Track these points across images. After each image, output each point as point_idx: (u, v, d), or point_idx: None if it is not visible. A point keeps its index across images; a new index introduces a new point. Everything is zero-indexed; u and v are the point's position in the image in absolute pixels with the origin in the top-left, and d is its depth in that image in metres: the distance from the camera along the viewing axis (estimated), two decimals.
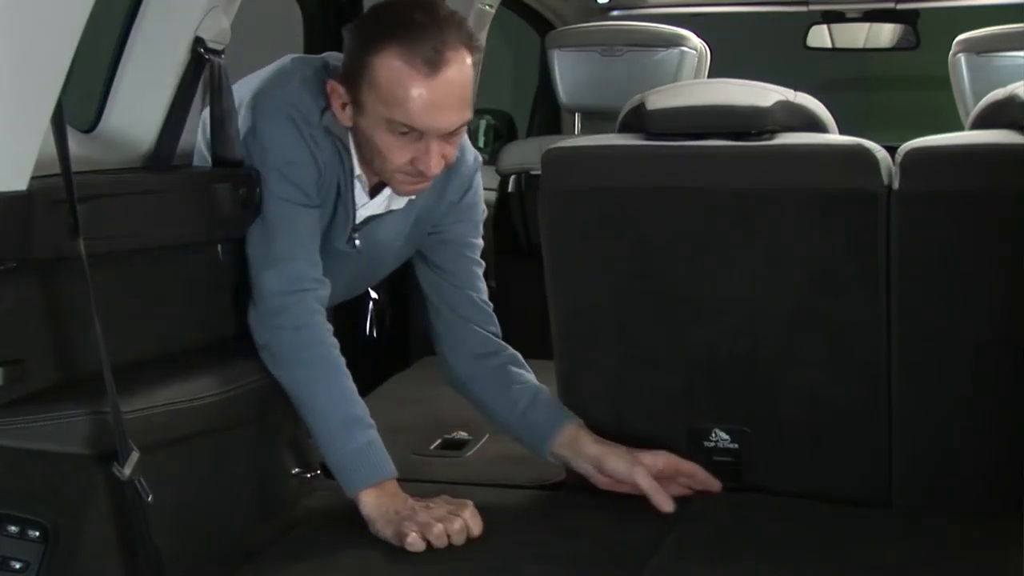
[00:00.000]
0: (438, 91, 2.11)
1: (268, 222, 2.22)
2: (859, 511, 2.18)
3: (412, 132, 2.15)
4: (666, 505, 2.20)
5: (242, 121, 2.24)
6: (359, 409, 2.17)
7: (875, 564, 1.96)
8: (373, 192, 2.33)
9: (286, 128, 2.22)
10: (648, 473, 2.23)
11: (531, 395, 2.37)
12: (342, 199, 2.30)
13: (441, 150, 2.17)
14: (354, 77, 2.16)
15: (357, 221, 2.33)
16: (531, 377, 2.40)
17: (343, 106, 2.20)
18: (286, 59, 2.32)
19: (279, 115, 2.22)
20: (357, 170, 2.28)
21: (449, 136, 2.18)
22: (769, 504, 2.21)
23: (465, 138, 2.34)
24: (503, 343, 2.43)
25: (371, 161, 2.23)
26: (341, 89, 2.19)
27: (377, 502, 2.11)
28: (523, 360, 2.42)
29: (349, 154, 2.27)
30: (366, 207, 2.33)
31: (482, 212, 2.49)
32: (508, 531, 2.15)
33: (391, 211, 2.36)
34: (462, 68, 2.14)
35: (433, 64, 2.10)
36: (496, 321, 2.45)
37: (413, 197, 2.34)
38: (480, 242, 2.48)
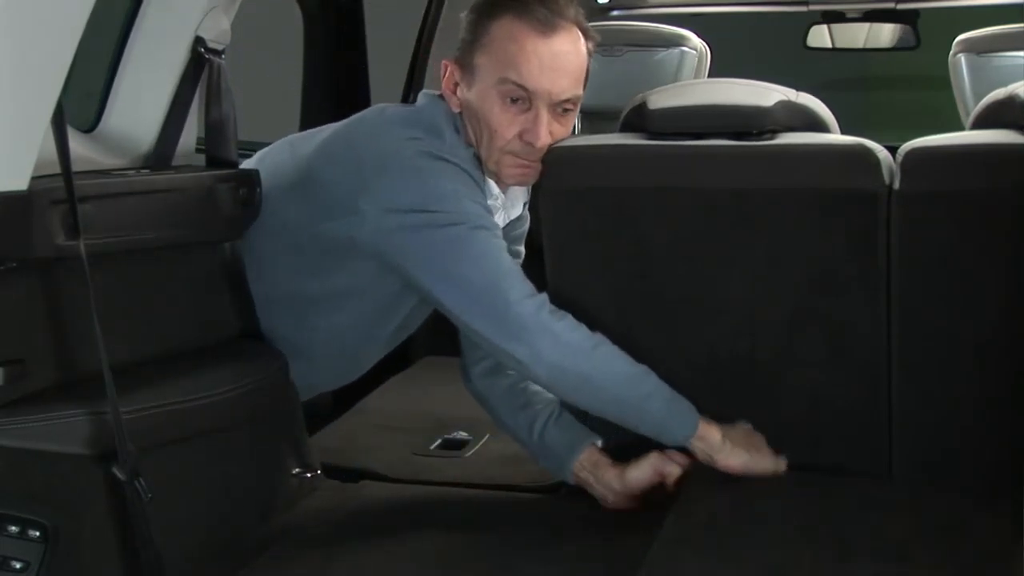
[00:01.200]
0: (552, 51, 2.17)
1: (471, 249, 2.14)
2: (858, 488, 2.16)
3: (522, 100, 2.17)
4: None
5: (405, 170, 2.17)
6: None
7: (875, 540, 1.94)
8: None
9: (460, 178, 2.19)
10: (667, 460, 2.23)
11: (546, 416, 2.34)
12: None
13: (550, 124, 2.19)
14: (469, 47, 2.21)
15: None
16: (548, 396, 2.35)
17: (455, 87, 2.22)
18: (423, 101, 2.30)
19: (449, 171, 2.18)
20: (494, 190, 2.28)
21: (559, 110, 2.20)
22: (764, 488, 2.19)
23: None
24: None
25: (481, 144, 2.22)
26: (454, 66, 2.23)
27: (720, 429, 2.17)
28: None
29: (483, 175, 2.26)
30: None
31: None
32: (508, 531, 2.15)
33: (508, 223, 2.37)
34: (575, 42, 2.20)
35: (547, 25, 2.16)
36: None
37: (527, 200, 2.37)
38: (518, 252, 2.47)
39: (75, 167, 1.83)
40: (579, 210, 2.32)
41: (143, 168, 2.15)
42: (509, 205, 2.37)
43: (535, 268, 2.40)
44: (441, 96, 2.28)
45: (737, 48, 4.37)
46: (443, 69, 2.25)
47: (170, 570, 1.91)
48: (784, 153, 2.23)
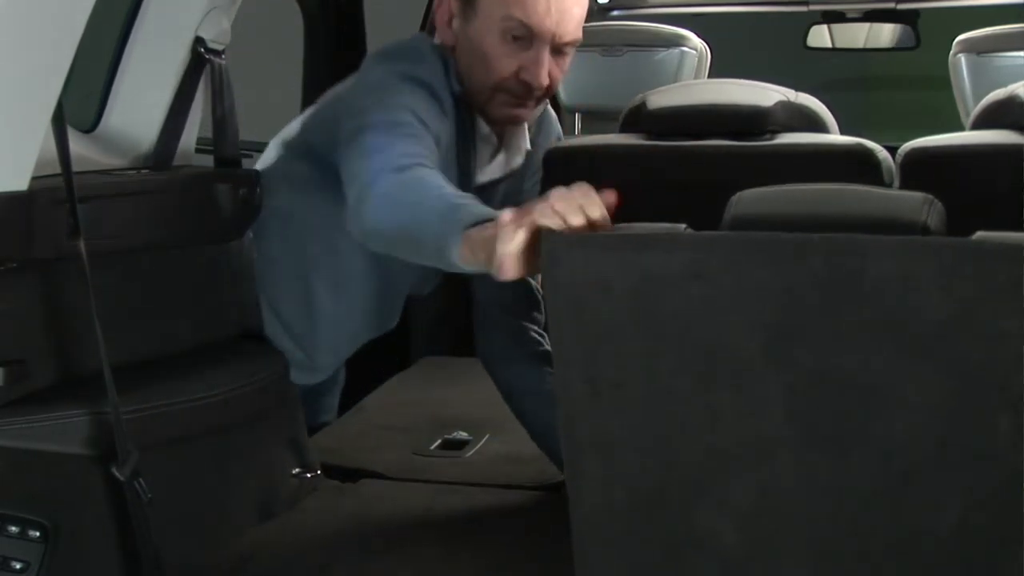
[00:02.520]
0: None
1: (378, 97, 2.05)
2: None
3: (524, 38, 2.11)
4: None
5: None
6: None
7: None
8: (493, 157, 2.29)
9: (422, 95, 2.11)
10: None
11: None
12: (462, 167, 2.23)
13: (550, 65, 2.13)
14: None
15: (477, 183, 2.25)
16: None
17: (449, 21, 2.17)
18: (412, 37, 2.28)
19: (418, 92, 2.11)
20: (485, 129, 2.22)
21: (560, 52, 2.15)
22: None
23: None
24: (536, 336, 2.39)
25: (471, 79, 2.16)
26: (451, 1, 2.17)
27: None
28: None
29: (473, 118, 2.22)
30: (484, 171, 2.29)
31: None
32: (508, 531, 2.15)
33: (509, 174, 2.32)
34: None
35: None
36: (539, 310, 2.39)
37: (528, 147, 2.31)
38: None
39: (75, 167, 1.83)
40: None
41: (143, 168, 2.15)
42: (509, 151, 2.32)
43: None
44: (432, 33, 2.25)
45: (737, 48, 4.37)
46: (438, 2, 2.21)
47: (170, 570, 1.91)
48: (784, 153, 2.23)
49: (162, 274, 2.12)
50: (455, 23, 2.18)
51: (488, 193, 2.29)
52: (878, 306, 1.42)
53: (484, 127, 2.25)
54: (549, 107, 2.43)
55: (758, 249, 1.46)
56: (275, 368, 2.25)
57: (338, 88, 2.33)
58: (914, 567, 1.52)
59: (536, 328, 2.42)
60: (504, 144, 2.32)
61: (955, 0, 4.19)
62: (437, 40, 2.23)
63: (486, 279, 1.68)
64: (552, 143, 2.42)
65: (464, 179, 2.24)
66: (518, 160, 2.35)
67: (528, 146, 2.38)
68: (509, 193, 2.37)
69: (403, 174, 1.88)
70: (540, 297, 2.40)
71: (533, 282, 2.40)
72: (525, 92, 2.16)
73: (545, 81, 2.15)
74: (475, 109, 2.22)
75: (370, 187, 1.88)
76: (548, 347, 2.34)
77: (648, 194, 2.29)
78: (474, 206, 1.73)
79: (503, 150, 2.32)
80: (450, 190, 1.82)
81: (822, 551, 1.54)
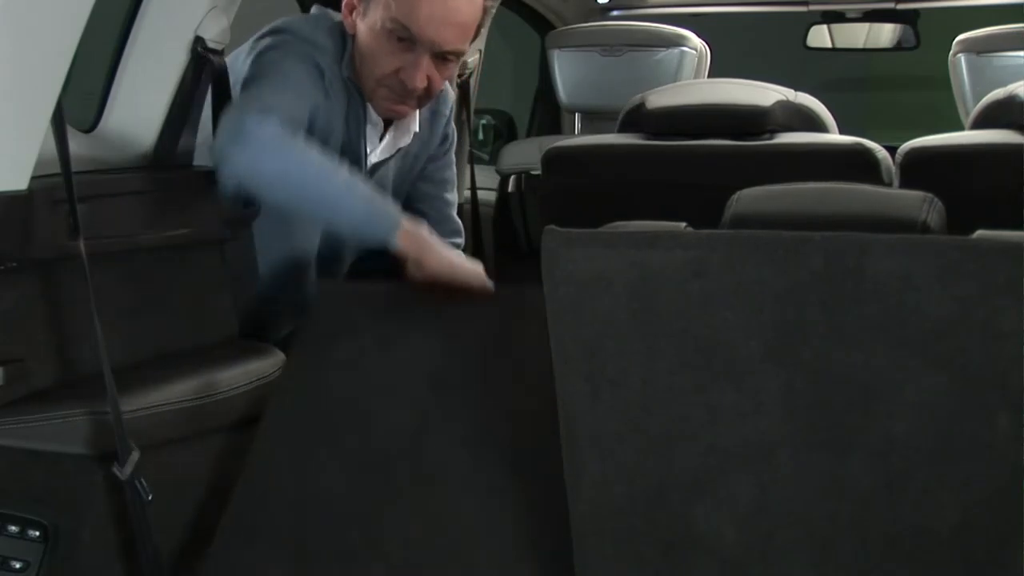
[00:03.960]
0: (447, 4, 2.18)
1: (265, 68, 2.20)
2: None
3: (406, 40, 2.19)
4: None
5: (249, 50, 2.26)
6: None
7: None
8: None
9: (303, 65, 2.25)
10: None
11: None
12: (351, 147, 2.32)
13: (429, 70, 2.22)
14: None
15: (369, 164, 2.35)
16: None
17: (351, 11, 2.26)
18: (314, 11, 2.38)
19: (298, 53, 2.25)
20: (373, 116, 2.31)
21: (441, 59, 2.23)
22: None
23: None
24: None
25: (361, 69, 2.27)
26: None
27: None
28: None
29: (364, 102, 2.30)
30: (376, 152, 2.37)
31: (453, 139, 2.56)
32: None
33: (399, 150, 2.40)
34: None
35: None
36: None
37: (417, 130, 2.39)
38: (452, 173, 2.57)
39: (75, 167, 1.84)
40: (579, 210, 2.32)
41: (143, 168, 2.15)
42: (397, 132, 2.40)
43: (535, 268, 2.40)
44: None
45: (737, 48, 4.37)
46: None
47: (169, 570, 1.91)
48: (784, 153, 2.23)
49: (162, 274, 2.12)
50: (355, 14, 2.26)
51: (380, 172, 2.40)
52: (878, 305, 1.42)
53: (373, 113, 2.34)
54: (447, 94, 2.52)
55: (758, 248, 1.46)
56: (275, 368, 2.25)
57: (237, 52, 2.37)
58: (914, 566, 1.52)
59: None
60: (392, 126, 2.40)
61: (955, 0, 4.19)
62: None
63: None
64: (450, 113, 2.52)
65: (356, 160, 2.33)
66: (406, 140, 2.42)
67: (416, 128, 2.44)
68: (401, 169, 2.47)
69: (286, 130, 2.08)
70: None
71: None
72: (404, 91, 2.25)
73: (421, 84, 2.23)
74: (366, 97, 2.32)
75: (253, 132, 2.06)
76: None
77: (648, 193, 2.29)
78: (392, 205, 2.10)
79: (390, 131, 2.39)
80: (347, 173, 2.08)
81: (822, 550, 1.54)
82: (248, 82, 2.21)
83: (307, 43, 2.26)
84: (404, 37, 2.19)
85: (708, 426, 1.52)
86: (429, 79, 2.23)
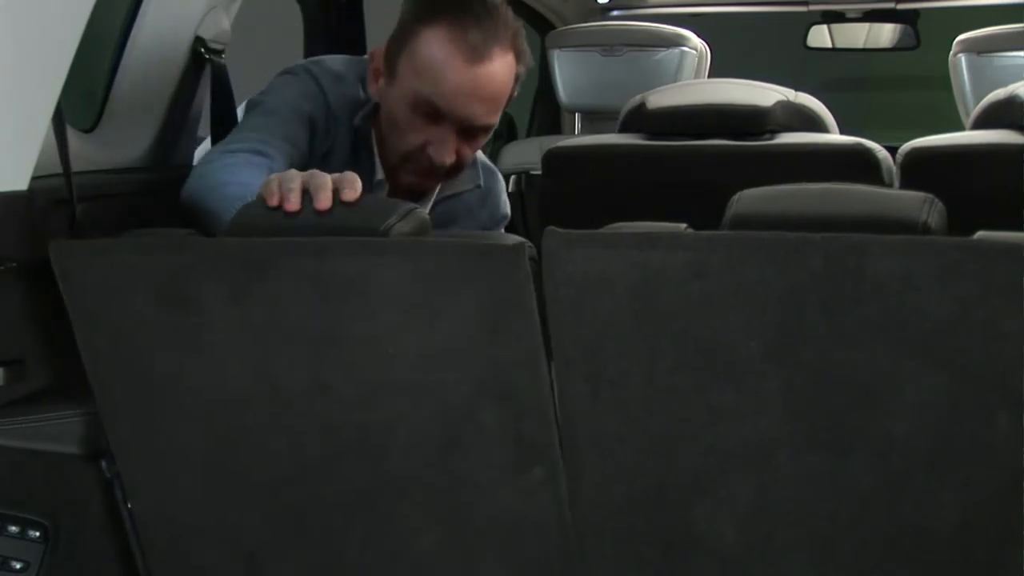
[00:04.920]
0: (476, 79, 2.05)
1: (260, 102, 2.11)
2: None
3: (433, 115, 2.07)
4: None
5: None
6: None
7: None
8: None
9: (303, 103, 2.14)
10: None
11: None
12: None
13: (458, 144, 2.10)
14: (397, 43, 2.10)
15: None
16: None
17: (377, 75, 2.14)
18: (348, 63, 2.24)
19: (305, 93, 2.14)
20: (379, 175, 2.19)
21: (470, 134, 2.11)
22: None
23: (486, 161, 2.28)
24: None
25: (387, 140, 2.14)
26: (381, 56, 2.13)
27: None
28: None
29: (373, 156, 2.19)
30: None
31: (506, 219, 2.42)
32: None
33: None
34: (504, 68, 2.08)
35: (478, 53, 2.04)
36: None
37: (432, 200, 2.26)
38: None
39: (75, 167, 1.84)
40: (579, 210, 2.32)
41: (143, 168, 2.15)
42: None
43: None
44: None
45: (737, 48, 4.37)
46: (372, 57, 2.16)
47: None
48: (784, 153, 2.23)
49: None
50: (381, 81, 2.14)
51: None
52: (878, 305, 1.42)
53: (380, 172, 2.20)
54: (485, 160, 2.36)
55: (758, 248, 1.46)
56: None
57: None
58: (914, 566, 1.52)
59: None
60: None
61: (955, 0, 4.20)
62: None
63: None
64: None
65: None
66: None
67: (429, 205, 2.28)
68: None
69: (228, 156, 1.95)
70: None
71: None
72: (430, 166, 2.12)
73: (449, 160, 2.10)
74: (384, 165, 2.19)
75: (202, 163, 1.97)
76: None
77: (648, 194, 2.29)
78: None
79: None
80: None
81: (822, 550, 1.54)
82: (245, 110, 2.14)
83: (316, 99, 2.13)
84: (430, 112, 2.07)
85: (708, 426, 1.52)
86: (457, 153, 2.11)
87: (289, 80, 2.15)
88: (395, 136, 2.12)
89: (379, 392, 1.63)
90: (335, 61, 2.21)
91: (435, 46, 2.04)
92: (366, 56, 2.23)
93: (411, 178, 2.16)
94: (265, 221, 1.66)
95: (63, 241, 1.71)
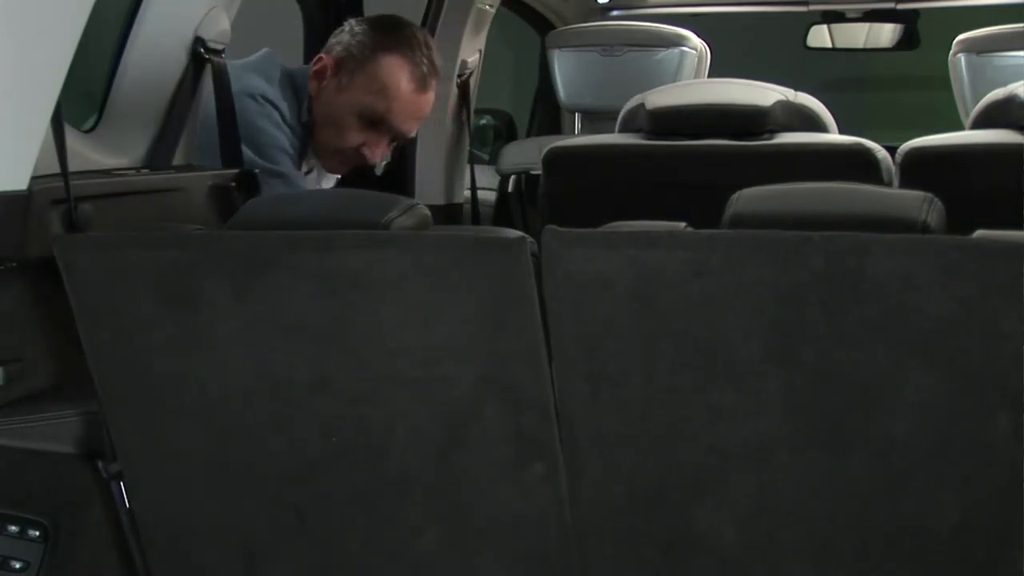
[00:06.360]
0: (419, 103, 2.54)
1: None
2: None
3: (378, 125, 2.50)
4: None
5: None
6: None
7: None
8: None
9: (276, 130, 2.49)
10: None
11: None
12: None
13: (385, 149, 2.56)
14: (353, 61, 2.52)
15: None
16: None
17: (321, 77, 2.51)
18: (268, 56, 2.60)
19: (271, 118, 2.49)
20: (305, 167, 2.58)
21: (392, 142, 2.56)
22: None
23: None
24: None
25: (321, 133, 2.54)
26: (331, 65, 2.53)
27: None
28: None
29: (307, 149, 2.57)
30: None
31: None
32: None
33: None
34: (433, 92, 2.57)
35: (424, 83, 2.53)
36: None
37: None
38: None
39: (75, 167, 1.83)
40: (579, 210, 2.32)
41: (143, 168, 2.15)
42: (326, 176, 2.69)
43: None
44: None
45: (737, 48, 4.37)
46: (318, 60, 2.55)
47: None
48: (784, 152, 2.23)
49: None
50: (326, 82, 2.53)
51: None
52: (878, 304, 1.42)
53: (312, 158, 2.62)
54: None
55: (758, 247, 1.46)
56: None
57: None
58: (914, 566, 1.52)
59: None
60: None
61: (955, 0, 4.19)
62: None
63: None
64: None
65: None
66: (331, 181, 2.71)
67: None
68: None
69: None
70: None
71: None
72: (357, 161, 2.57)
73: (379, 160, 2.57)
74: (310, 147, 2.60)
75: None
76: None
77: (648, 193, 2.29)
78: None
79: (319, 174, 2.69)
80: None
81: (822, 550, 1.54)
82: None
83: (276, 109, 2.49)
84: (375, 121, 2.50)
85: (708, 426, 1.52)
86: (381, 155, 2.57)
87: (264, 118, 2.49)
88: (333, 134, 2.54)
89: (380, 387, 1.63)
90: (267, 84, 2.53)
91: (392, 74, 2.50)
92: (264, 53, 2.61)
93: (336, 166, 2.61)
94: (267, 215, 1.68)
95: (67, 235, 1.73)
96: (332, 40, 2.59)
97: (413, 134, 2.61)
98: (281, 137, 2.49)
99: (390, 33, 2.54)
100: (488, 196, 3.51)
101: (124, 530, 1.88)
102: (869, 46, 4.38)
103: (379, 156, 2.56)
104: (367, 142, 2.53)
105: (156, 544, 1.82)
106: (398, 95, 2.50)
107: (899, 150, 2.20)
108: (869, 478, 1.49)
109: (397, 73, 2.50)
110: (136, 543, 1.87)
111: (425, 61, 2.52)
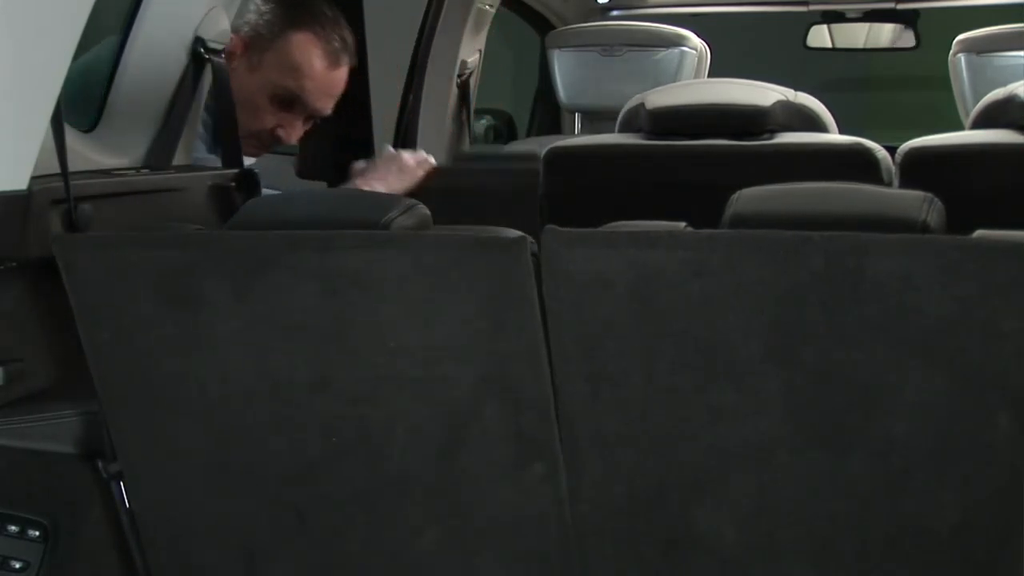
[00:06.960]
0: (333, 79, 2.46)
1: None
2: None
3: (291, 105, 2.43)
4: None
5: None
6: None
7: None
8: None
9: None
10: None
11: None
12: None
13: (300, 130, 2.49)
14: (263, 40, 2.42)
15: None
16: None
17: (232, 59, 2.37)
18: None
19: None
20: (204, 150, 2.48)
21: (308, 121, 2.48)
22: None
23: None
24: None
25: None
26: (241, 46, 2.40)
27: None
28: None
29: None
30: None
31: None
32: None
33: None
34: (347, 71, 2.50)
35: (337, 58, 2.45)
36: None
37: None
38: None
39: (75, 167, 1.83)
40: (579, 210, 2.32)
41: (143, 168, 2.15)
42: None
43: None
44: None
45: (737, 48, 4.37)
46: (231, 44, 2.38)
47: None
48: (783, 153, 2.23)
49: None
50: (235, 63, 2.37)
51: None
52: (878, 304, 1.42)
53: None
54: None
55: (758, 247, 1.46)
56: None
57: None
58: (914, 566, 1.52)
59: None
60: None
61: (955, 0, 4.20)
62: None
63: None
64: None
65: None
66: None
67: None
68: None
69: None
70: None
71: None
72: (272, 143, 2.49)
73: (293, 141, 2.50)
74: None
75: None
76: None
77: (648, 193, 2.29)
78: None
79: None
80: None
81: (822, 550, 1.54)
82: None
83: None
84: (289, 101, 2.43)
85: (708, 426, 1.52)
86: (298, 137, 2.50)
87: None
88: (247, 117, 2.38)
89: (380, 387, 1.63)
90: None
91: (305, 50, 2.42)
92: None
93: (251, 150, 2.46)
94: (267, 215, 1.68)
95: (67, 235, 1.73)
96: (238, 19, 2.46)
97: (328, 112, 2.50)
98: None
99: (297, 9, 2.44)
100: None
101: (124, 530, 1.88)
102: (869, 46, 4.39)
103: (294, 137, 2.49)
104: (282, 123, 2.46)
105: (156, 544, 1.82)
106: (311, 73, 2.42)
107: (899, 150, 2.20)
108: (869, 478, 1.49)
109: (309, 51, 2.42)
110: (136, 543, 1.87)
111: (336, 37, 2.45)
